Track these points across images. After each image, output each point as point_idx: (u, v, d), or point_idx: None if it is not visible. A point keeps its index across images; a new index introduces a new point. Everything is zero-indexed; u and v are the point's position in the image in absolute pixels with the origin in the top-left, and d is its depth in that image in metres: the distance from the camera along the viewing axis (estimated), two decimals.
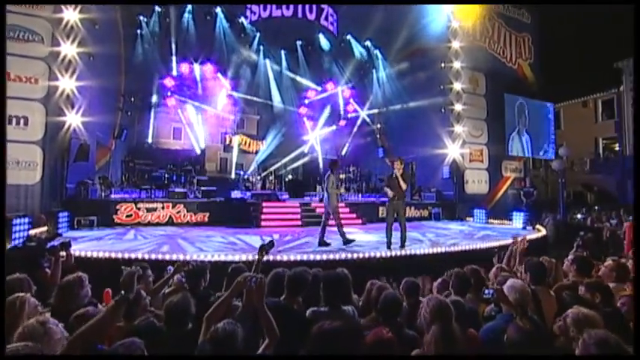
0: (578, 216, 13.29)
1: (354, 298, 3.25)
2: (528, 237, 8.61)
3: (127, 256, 5.23)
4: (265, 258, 5.19)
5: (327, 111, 19.31)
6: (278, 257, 5.31)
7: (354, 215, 12.21)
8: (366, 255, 5.93)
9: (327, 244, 7.00)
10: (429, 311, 2.20)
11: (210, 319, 2.09)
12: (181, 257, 4.99)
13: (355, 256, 5.84)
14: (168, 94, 15.22)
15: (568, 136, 20.44)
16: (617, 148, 21.73)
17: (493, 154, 15.69)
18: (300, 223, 10.86)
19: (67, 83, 8.93)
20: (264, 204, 11.16)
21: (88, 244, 6.37)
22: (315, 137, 19.95)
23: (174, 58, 14.54)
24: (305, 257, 5.48)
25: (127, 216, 9.23)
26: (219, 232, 8.62)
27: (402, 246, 6.70)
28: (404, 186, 6.71)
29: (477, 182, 15.33)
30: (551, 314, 3.00)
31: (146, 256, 5.14)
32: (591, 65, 21.56)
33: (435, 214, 13.78)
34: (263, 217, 10.56)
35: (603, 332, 1.66)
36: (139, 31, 13.47)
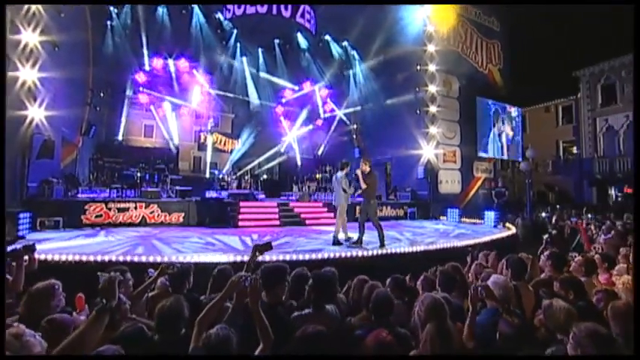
0: (543, 214, 14.02)
1: (339, 297, 3.24)
2: (501, 235, 9.05)
3: (99, 258, 4.94)
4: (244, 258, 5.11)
5: (305, 110, 19.26)
6: (260, 257, 5.21)
7: (332, 215, 12.26)
8: (348, 254, 5.95)
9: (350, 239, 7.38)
10: (423, 309, 2.22)
11: (202, 323, 2.00)
12: (159, 259, 4.79)
13: (337, 255, 5.84)
14: (141, 89, 14.57)
15: (533, 139, 21.57)
16: (575, 151, 23.18)
17: (465, 155, 16.27)
18: (278, 222, 10.79)
19: (28, 74, 8.33)
20: (241, 204, 10.97)
21: (54, 246, 5.97)
22: (293, 136, 19.86)
23: (145, 52, 13.93)
24: (288, 257, 5.41)
25: (97, 216, 8.75)
26: (195, 233, 8.37)
27: (382, 245, 6.77)
28: (363, 185, 6.88)
29: (450, 182, 15.85)
30: (530, 308, 3.14)
31: (122, 258, 4.87)
32: (553, 73, 22.91)
33: (411, 214, 14.10)
34: (240, 217, 10.37)
35: (592, 324, 1.73)
36: (109, 23, 12.81)
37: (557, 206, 16.25)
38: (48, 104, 8.77)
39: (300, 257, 5.45)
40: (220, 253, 5.83)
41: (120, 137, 14.93)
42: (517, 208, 14.39)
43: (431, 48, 15.22)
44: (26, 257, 3.46)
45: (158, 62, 14.06)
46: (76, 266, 4.86)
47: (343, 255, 5.87)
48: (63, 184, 9.52)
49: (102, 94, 13.20)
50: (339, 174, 7.34)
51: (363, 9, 14.26)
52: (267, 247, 2.64)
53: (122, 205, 9.11)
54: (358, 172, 6.94)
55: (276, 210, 11.44)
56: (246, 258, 5.23)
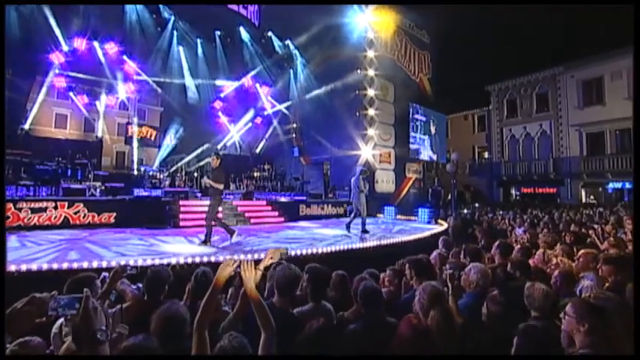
0: (465, 211, 15.72)
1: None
2: (438, 230, 9.92)
3: (24, 268, 4.16)
4: (205, 259, 4.82)
5: (251, 110, 18.75)
6: (221, 258, 4.96)
7: (276, 213, 12.18)
8: (309, 251, 5.98)
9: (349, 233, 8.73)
10: (426, 297, 2.36)
11: (202, 324, 1.83)
12: (104, 264, 4.23)
13: (298, 252, 5.82)
14: (57, 71, 12.52)
15: (454, 144, 24.06)
16: (486, 156, 26.48)
17: (399, 157, 17.47)
18: None
19: None
20: (181, 202, 10.25)
21: None
22: (235, 133, 19.19)
23: (57, 31, 11.94)
24: (249, 257, 5.23)
25: None
26: (133, 235, 7.58)
27: (203, 242, 6.54)
28: (207, 182, 6.70)
29: (385, 182, 16.86)
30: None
31: (56, 266, 4.15)
32: (472, 85, 25.86)
33: (350, 211, 14.62)
34: (181, 216, 9.68)
35: (586, 299, 2.04)
36: None
37: (476, 205, 18.38)
38: None
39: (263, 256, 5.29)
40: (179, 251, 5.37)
41: (27, 126, 12.69)
42: (443, 206, 15.86)
43: (370, 53, 16.02)
44: None
45: (80, 43, 12.19)
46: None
47: (304, 252, 5.87)
48: None
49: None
50: (357, 177, 8.67)
51: (309, 10, 14.34)
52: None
53: (37, 205, 7.80)
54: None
55: (220, 209, 10.90)
56: (205, 259, 4.94)
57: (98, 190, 10.40)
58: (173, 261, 4.59)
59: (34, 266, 4.20)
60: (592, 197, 20.41)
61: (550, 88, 22.10)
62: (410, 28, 18.53)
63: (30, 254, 5.17)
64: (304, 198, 14.67)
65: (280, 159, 19.67)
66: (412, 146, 18.07)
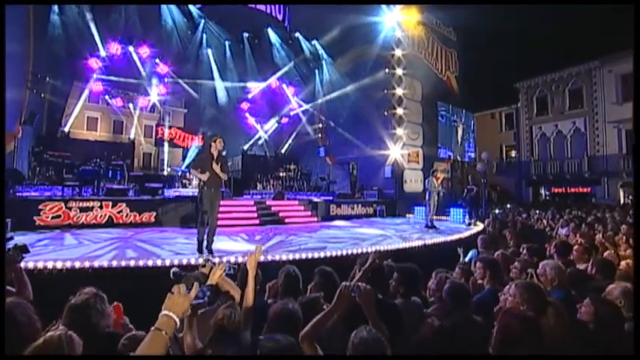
0: (496, 211, 15.30)
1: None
2: (476, 230, 9.69)
3: (115, 264, 4.27)
4: (262, 258, 4.81)
5: (271, 106, 18.86)
6: (277, 257, 4.96)
7: (309, 213, 12.16)
8: (354, 251, 5.91)
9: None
10: (527, 294, 2.24)
11: (312, 336, 1.82)
12: (189, 261, 4.29)
13: (344, 252, 5.76)
14: (94, 76, 12.95)
15: (480, 142, 23.48)
16: (514, 154, 25.74)
17: (427, 156, 17.17)
18: (257, 222, 10.38)
19: None
20: None
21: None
22: (264, 134, 19.37)
23: (97, 37, 12.33)
24: (304, 256, 5.21)
25: (54, 217, 7.61)
26: (176, 234, 7.69)
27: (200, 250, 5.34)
28: (218, 171, 5.21)
29: (413, 181, 16.60)
30: None
31: (133, 264, 4.26)
32: (499, 83, 25.19)
33: (380, 211, 14.48)
34: (219, 216, 9.76)
35: None
36: None
37: (508, 205, 17.88)
38: None
39: (316, 255, 5.28)
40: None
41: (67, 129, 13.16)
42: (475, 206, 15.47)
43: (398, 52, 15.82)
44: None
45: (116, 48, 12.55)
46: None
47: (353, 252, 5.80)
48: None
49: (47, 79, 11.50)
50: (430, 177, 10.20)
51: (336, 10, 14.26)
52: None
53: (85, 205, 8.03)
54: (212, 151, 5.24)
55: (254, 208, 11.01)
56: (261, 258, 4.94)
57: (132, 191, 10.65)
58: (232, 259, 4.62)
59: (123, 263, 4.34)
60: (631, 197, 19.52)
61: (584, 84, 21.26)
62: (437, 25, 18.21)
63: (91, 251, 5.32)
64: (331, 198, 14.61)
65: (305, 159, 19.66)
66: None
